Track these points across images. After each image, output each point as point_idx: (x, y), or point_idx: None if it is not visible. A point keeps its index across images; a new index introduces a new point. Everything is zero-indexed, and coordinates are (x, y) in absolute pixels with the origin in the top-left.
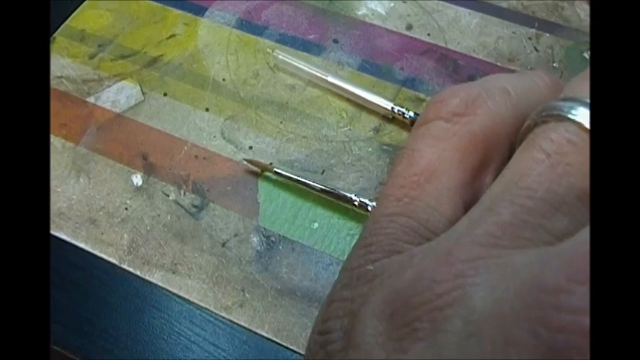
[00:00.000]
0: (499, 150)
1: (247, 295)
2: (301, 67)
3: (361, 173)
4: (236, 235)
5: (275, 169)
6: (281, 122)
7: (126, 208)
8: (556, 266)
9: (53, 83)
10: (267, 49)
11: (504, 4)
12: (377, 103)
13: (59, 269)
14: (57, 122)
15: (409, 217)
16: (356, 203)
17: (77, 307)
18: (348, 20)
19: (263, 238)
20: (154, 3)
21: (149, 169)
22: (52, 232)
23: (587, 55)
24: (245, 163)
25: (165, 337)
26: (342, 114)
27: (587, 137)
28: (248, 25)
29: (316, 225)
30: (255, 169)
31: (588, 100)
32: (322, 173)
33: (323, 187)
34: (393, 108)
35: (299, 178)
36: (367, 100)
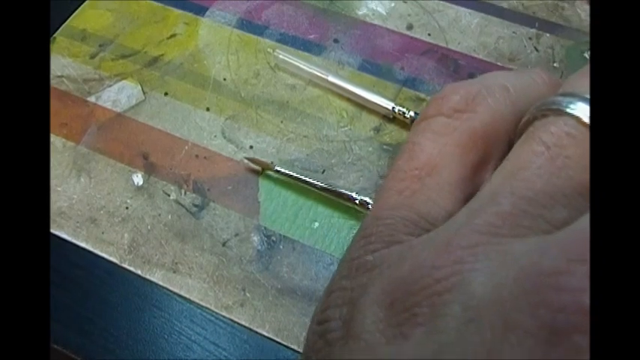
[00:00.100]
0: (499, 146)
1: (248, 294)
2: (302, 66)
3: (362, 173)
4: (237, 235)
5: (276, 168)
6: (282, 122)
7: (126, 208)
8: (555, 250)
9: (54, 83)
10: (268, 49)
11: (505, 5)
12: (377, 103)
13: (60, 268)
14: (58, 122)
15: (409, 209)
16: (357, 202)
17: (78, 306)
18: (348, 20)
19: (264, 237)
20: (155, 3)
21: (150, 169)
22: (53, 231)
23: (587, 55)
24: (246, 161)
25: (166, 337)
26: (343, 114)
27: (585, 131)
28: (249, 24)
29: (317, 224)
30: (256, 167)
31: (587, 96)
32: (323, 173)
33: (324, 185)
34: (393, 108)
35: (300, 176)
36: (368, 100)
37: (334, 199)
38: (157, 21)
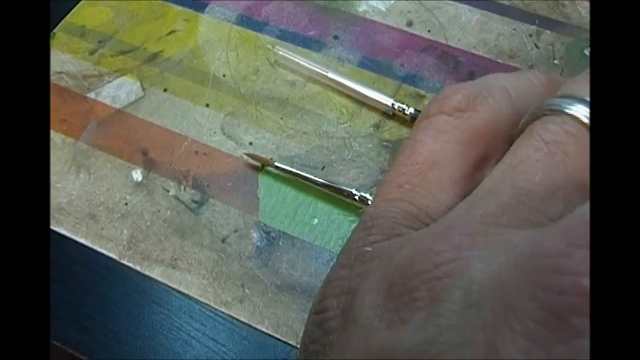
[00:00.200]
0: (499, 145)
1: (247, 290)
2: (301, 63)
3: (361, 169)
4: (236, 231)
5: (275, 164)
6: (281, 118)
7: (126, 204)
8: (555, 235)
9: (53, 79)
10: (268, 45)
11: (505, 1)
12: (377, 100)
13: (59, 264)
14: (57, 118)
15: (410, 202)
16: (357, 198)
17: (77, 302)
18: (348, 16)
19: (263, 233)
20: None
21: (149, 165)
22: (52, 227)
23: (587, 52)
24: (245, 158)
25: (165, 333)
26: (343, 110)
27: (584, 130)
28: (248, 21)
29: (316, 221)
30: (256, 163)
31: (586, 98)
32: (322, 169)
33: (323, 182)
34: (393, 104)
35: (299, 173)
36: (367, 97)
37: (334, 195)
38: (156, 17)
